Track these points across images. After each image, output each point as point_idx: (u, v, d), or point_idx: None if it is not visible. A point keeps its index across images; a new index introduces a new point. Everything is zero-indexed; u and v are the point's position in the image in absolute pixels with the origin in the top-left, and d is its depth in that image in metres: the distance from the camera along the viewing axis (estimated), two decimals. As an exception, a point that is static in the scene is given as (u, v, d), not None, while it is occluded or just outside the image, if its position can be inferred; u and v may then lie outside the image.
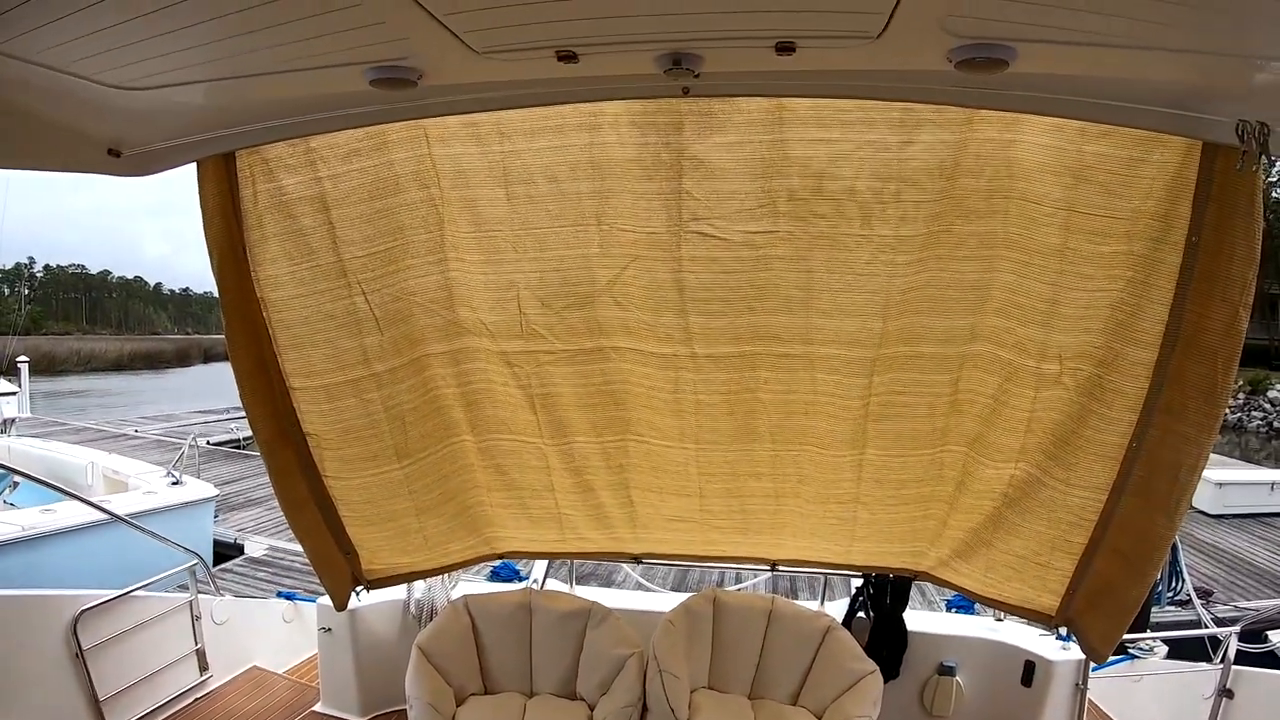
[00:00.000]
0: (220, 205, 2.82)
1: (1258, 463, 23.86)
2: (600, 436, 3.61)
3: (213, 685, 4.92)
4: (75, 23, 1.61)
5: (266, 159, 2.83)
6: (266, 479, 3.55)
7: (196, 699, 4.76)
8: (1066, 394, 2.98)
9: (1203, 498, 15.15)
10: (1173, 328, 2.62)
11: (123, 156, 2.46)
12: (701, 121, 2.78)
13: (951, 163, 2.73)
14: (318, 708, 4.74)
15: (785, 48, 1.82)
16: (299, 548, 3.82)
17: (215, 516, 12.00)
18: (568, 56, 1.89)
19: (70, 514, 8.75)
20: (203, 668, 4.90)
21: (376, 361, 3.29)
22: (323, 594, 4.21)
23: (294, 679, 5.36)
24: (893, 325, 3.08)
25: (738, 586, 8.63)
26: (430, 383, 3.48)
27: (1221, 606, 10.23)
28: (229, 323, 3.02)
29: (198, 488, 10.84)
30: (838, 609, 4.58)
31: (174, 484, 10.69)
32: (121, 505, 9.17)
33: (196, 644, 4.88)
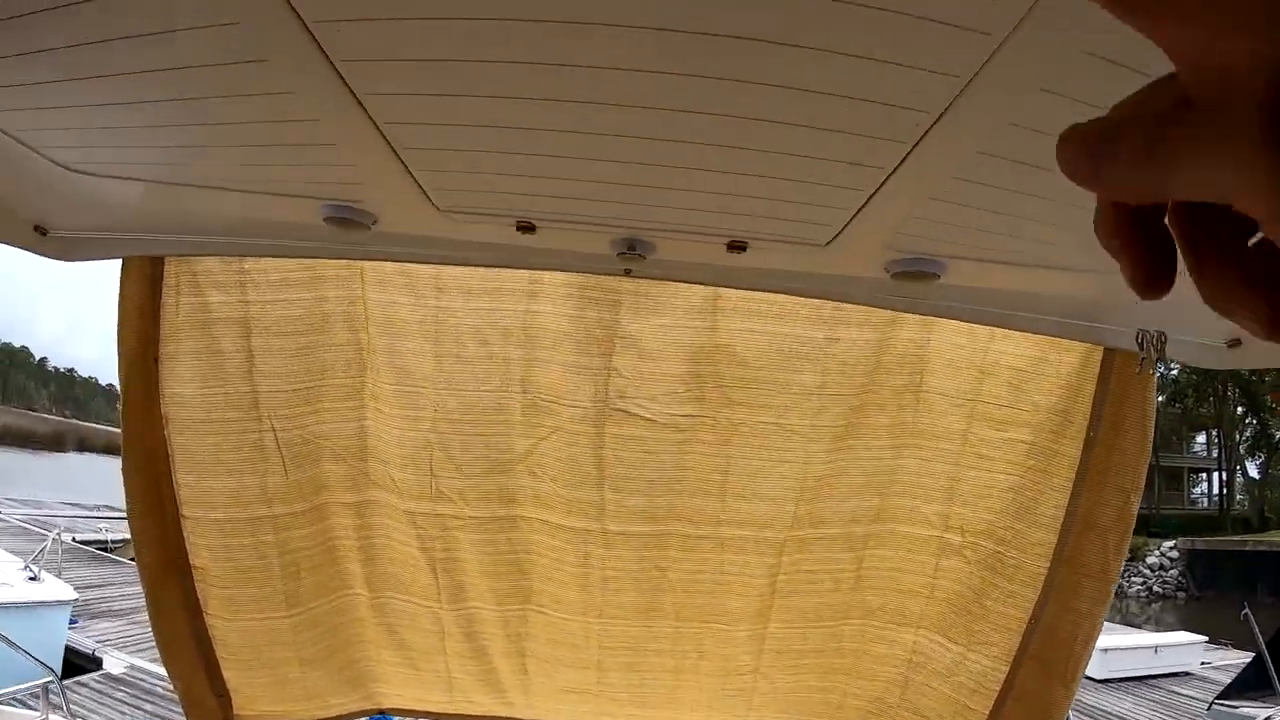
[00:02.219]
0: (139, 309, 2.65)
1: (1139, 625, 24.75)
2: (501, 605, 3.42)
3: None
4: (35, 92, 1.53)
5: (195, 271, 2.70)
6: (132, 588, 3.28)
7: None
8: (967, 566, 3.05)
9: (1090, 664, 15.50)
10: (1070, 513, 2.77)
11: (49, 236, 2.31)
12: (639, 302, 2.81)
13: (873, 360, 2.86)
14: None
15: (737, 246, 1.91)
16: (163, 670, 3.44)
17: (73, 623, 10.91)
18: (527, 227, 1.92)
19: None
20: None
21: (278, 503, 3.06)
22: None
23: None
24: (804, 509, 3.12)
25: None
26: (330, 531, 3.26)
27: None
28: (127, 435, 2.76)
29: (56, 588, 9.91)
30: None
31: (31, 579, 9.76)
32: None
33: None
